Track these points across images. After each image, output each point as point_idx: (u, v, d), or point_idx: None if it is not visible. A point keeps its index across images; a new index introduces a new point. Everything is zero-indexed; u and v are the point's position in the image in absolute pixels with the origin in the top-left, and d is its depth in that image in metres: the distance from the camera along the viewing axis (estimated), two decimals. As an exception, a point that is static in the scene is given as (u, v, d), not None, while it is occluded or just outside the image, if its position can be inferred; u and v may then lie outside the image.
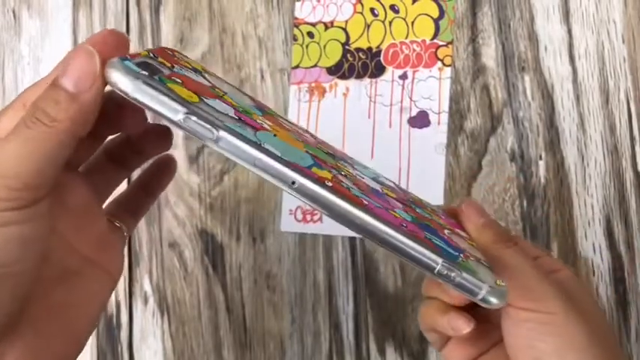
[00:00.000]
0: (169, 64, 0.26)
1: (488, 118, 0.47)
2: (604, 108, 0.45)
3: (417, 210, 0.30)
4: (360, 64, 0.50)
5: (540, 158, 0.46)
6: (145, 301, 0.53)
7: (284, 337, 0.50)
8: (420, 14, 0.49)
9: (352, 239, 0.49)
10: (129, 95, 0.23)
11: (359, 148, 0.49)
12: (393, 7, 0.50)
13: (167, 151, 0.33)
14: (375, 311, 0.48)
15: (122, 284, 0.53)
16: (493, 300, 0.26)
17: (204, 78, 0.28)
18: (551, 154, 0.46)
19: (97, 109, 0.25)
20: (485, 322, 0.31)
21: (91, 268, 0.29)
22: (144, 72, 0.24)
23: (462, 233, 0.31)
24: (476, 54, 0.48)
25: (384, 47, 0.50)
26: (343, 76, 0.50)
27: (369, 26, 0.50)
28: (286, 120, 0.32)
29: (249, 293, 0.51)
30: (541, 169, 0.46)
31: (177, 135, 0.53)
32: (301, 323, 0.50)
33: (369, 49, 0.50)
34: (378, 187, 0.30)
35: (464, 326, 0.30)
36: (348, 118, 0.50)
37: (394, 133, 0.49)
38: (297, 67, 0.51)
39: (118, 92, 0.24)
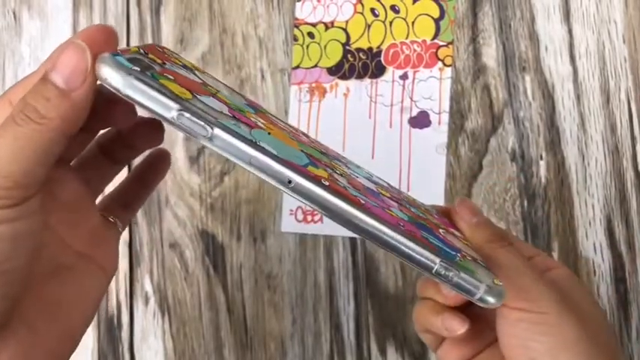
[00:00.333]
0: (160, 61, 0.26)
1: (489, 118, 0.47)
2: (605, 108, 0.45)
3: (412, 209, 0.30)
4: (361, 64, 0.50)
5: (541, 158, 0.46)
6: (146, 301, 0.53)
7: (285, 338, 0.50)
8: (420, 14, 0.49)
9: (353, 240, 0.49)
10: (120, 92, 0.23)
11: (359, 148, 0.49)
12: (393, 7, 0.50)
13: (159, 144, 0.32)
14: (376, 311, 0.48)
15: (123, 284, 0.53)
16: (490, 299, 0.25)
17: (195, 75, 0.28)
18: (552, 154, 0.46)
19: (89, 107, 0.24)
20: (480, 322, 0.31)
21: (84, 264, 0.28)
22: (136, 68, 0.23)
23: (456, 233, 0.31)
24: (476, 54, 0.48)
25: (384, 47, 0.50)
26: (344, 77, 0.50)
27: (369, 26, 0.50)
28: (279, 119, 0.31)
29: (249, 294, 0.51)
30: (542, 169, 0.46)
31: (178, 135, 0.53)
32: (302, 324, 0.50)
33: (370, 49, 0.50)
34: (372, 186, 0.30)
35: (458, 327, 0.29)
36: (349, 119, 0.50)
37: (395, 134, 0.49)
38: (297, 67, 0.51)
39: (109, 88, 0.23)
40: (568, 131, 0.46)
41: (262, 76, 0.52)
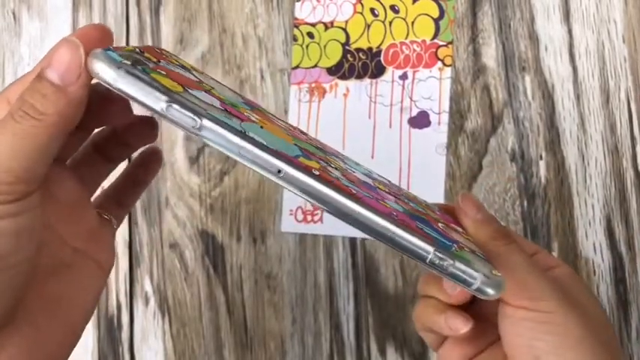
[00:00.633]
0: (155, 59, 0.26)
1: (489, 118, 0.47)
2: (604, 108, 0.45)
3: (411, 204, 0.30)
4: (361, 64, 0.50)
5: (541, 158, 0.46)
6: (146, 301, 0.53)
7: (285, 338, 0.50)
8: (420, 14, 0.49)
9: (353, 240, 0.49)
10: (111, 85, 0.23)
11: (359, 148, 0.49)
12: (393, 7, 0.50)
13: (153, 142, 0.32)
14: (376, 312, 0.48)
15: (123, 285, 0.53)
16: (489, 290, 0.25)
17: (192, 74, 0.28)
18: (552, 154, 0.46)
19: (85, 102, 0.25)
20: (482, 321, 0.30)
21: (82, 260, 0.29)
22: (127, 62, 0.23)
23: (458, 228, 0.31)
24: (476, 54, 0.48)
25: (384, 47, 0.50)
26: (343, 77, 0.50)
27: (369, 26, 0.50)
28: (277, 117, 0.31)
29: (249, 294, 0.51)
30: (541, 169, 0.46)
31: (178, 136, 0.53)
32: (302, 324, 0.50)
33: (370, 49, 0.50)
34: (370, 180, 0.30)
35: (461, 326, 0.29)
36: (349, 119, 0.50)
37: (394, 134, 0.49)
38: (297, 67, 0.51)
39: (101, 82, 0.23)
40: (568, 131, 0.46)
41: (262, 76, 0.52)
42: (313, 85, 0.51)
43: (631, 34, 0.45)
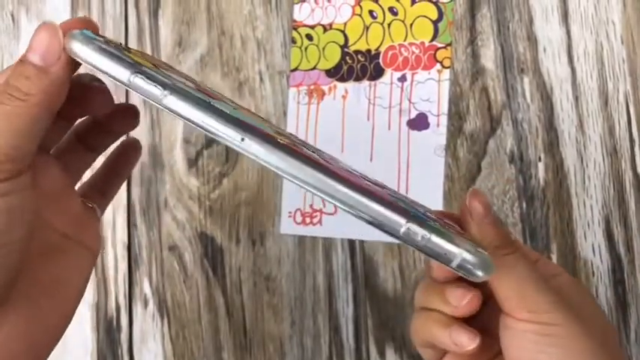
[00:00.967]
0: (139, 56, 0.27)
1: (488, 120, 0.47)
2: (603, 109, 0.45)
3: (402, 198, 0.28)
4: (359, 66, 0.50)
5: (539, 160, 0.46)
6: (145, 304, 0.53)
7: (284, 340, 0.50)
8: (418, 16, 0.49)
9: (352, 242, 0.49)
10: (83, 59, 0.24)
11: (358, 150, 0.49)
12: (391, 10, 0.50)
13: (134, 129, 0.34)
14: (375, 314, 0.48)
15: (122, 287, 0.53)
16: (476, 270, 0.23)
17: (180, 75, 0.28)
18: (551, 156, 0.46)
19: (68, 82, 0.26)
20: (484, 333, 0.29)
21: (72, 245, 0.30)
22: (99, 39, 0.25)
23: (455, 226, 0.28)
24: (475, 56, 0.48)
25: (382, 49, 0.50)
26: (342, 79, 0.50)
27: (367, 28, 0.50)
28: (269, 122, 0.31)
29: (248, 296, 0.51)
30: (540, 170, 0.46)
31: (177, 138, 0.53)
32: (301, 326, 0.50)
33: (368, 51, 0.50)
34: (352, 170, 0.28)
35: (468, 342, 0.28)
36: (347, 121, 0.50)
37: (393, 136, 0.49)
38: (295, 69, 0.51)
39: (76, 58, 0.25)
40: (566, 133, 0.46)
41: (261, 79, 0.52)
42: (312, 87, 0.51)
43: (629, 36, 0.45)
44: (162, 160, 0.53)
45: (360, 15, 0.50)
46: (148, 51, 0.54)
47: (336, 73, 0.51)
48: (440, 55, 0.48)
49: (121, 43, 0.27)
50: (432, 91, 0.48)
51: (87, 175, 0.35)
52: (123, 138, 0.35)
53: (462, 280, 0.29)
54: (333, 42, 0.51)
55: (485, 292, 0.29)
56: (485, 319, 0.30)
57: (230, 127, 0.23)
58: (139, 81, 0.24)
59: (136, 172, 0.53)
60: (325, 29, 0.51)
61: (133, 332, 0.53)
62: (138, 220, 0.53)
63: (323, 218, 0.49)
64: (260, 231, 0.51)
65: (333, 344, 0.49)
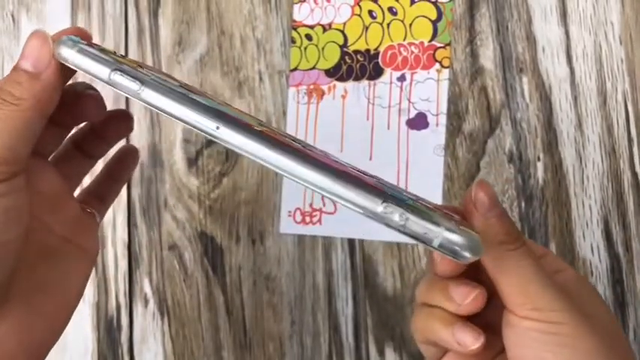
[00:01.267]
0: (133, 63, 0.27)
1: (487, 120, 0.47)
2: (602, 109, 0.46)
3: (386, 183, 0.27)
4: (359, 66, 0.50)
5: (538, 160, 0.46)
6: (145, 303, 0.53)
7: (284, 339, 0.50)
8: (417, 16, 0.49)
9: (351, 241, 0.49)
10: (68, 61, 0.26)
11: (357, 149, 0.49)
12: (391, 9, 0.50)
13: (130, 133, 0.35)
14: (375, 313, 0.48)
15: (122, 286, 0.53)
16: (463, 251, 0.22)
17: (172, 79, 0.29)
18: (549, 156, 0.46)
19: (59, 87, 0.27)
20: (486, 331, 0.28)
21: (70, 248, 0.31)
22: (83, 42, 0.26)
23: (455, 216, 0.27)
24: (474, 55, 0.48)
25: (382, 49, 0.50)
26: (341, 79, 0.51)
27: (367, 28, 0.50)
28: (257, 118, 0.31)
29: (248, 295, 0.51)
30: (539, 170, 0.46)
31: (176, 137, 0.53)
32: (301, 325, 0.50)
33: (367, 51, 0.50)
34: (338, 160, 0.28)
35: (472, 341, 0.27)
36: (347, 120, 0.50)
37: (393, 135, 0.49)
38: (295, 69, 0.51)
39: (62, 62, 0.26)
40: (565, 133, 0.46)
41: (260, 78, 0.52)
42: (311, 86, 0.51)
43: (628, 36, 0.45)
44: (162, 159, 0.53)
45: (359, 15, 0.50)
46: (148, 51, 0.55)
47: (336, 72, 0.51)
48: (439, 54, 0.49)
49: (116, 52, 0.28)
50: (431, 90, 0.48)
51: (86, 181, 0.36)
52: (121, 144, 0.36)
53: (466, 276, 0.28)
54: (333, 42, 0.51)
55: (489, 288, 0.28)
56: (488, 316, 0.29)
57: (205, 115, 0.24)
58: (118, 77, 0.25)
59: (136, 171, 0.54)
60: (325, 29, 0.51)
61: (134, 331, 0.53)
62: (138, 220, 0.53)
63: (323, 217, 0.49)
64: (260, 230, 0.51)
65: (332, 343, 0.49)
